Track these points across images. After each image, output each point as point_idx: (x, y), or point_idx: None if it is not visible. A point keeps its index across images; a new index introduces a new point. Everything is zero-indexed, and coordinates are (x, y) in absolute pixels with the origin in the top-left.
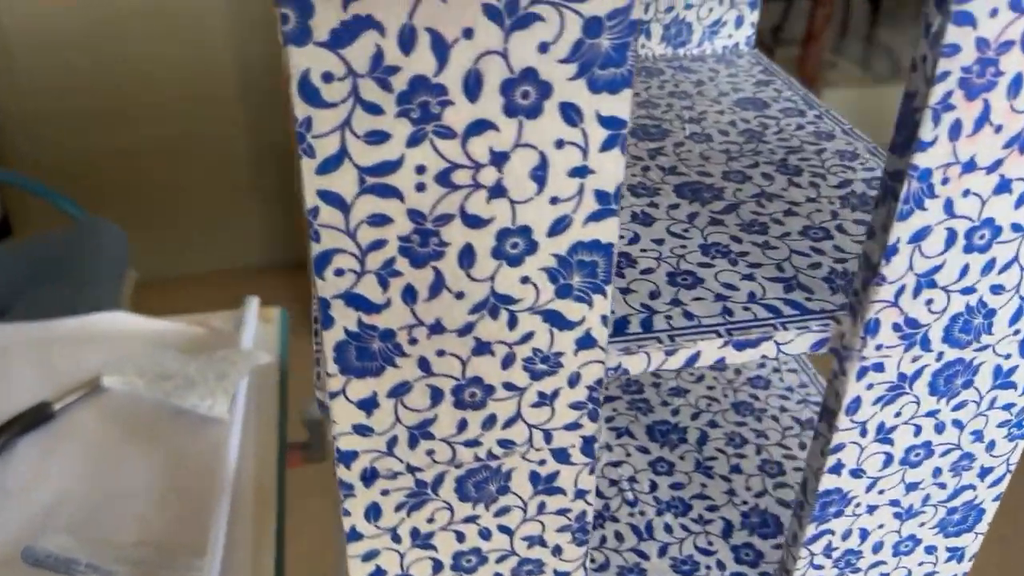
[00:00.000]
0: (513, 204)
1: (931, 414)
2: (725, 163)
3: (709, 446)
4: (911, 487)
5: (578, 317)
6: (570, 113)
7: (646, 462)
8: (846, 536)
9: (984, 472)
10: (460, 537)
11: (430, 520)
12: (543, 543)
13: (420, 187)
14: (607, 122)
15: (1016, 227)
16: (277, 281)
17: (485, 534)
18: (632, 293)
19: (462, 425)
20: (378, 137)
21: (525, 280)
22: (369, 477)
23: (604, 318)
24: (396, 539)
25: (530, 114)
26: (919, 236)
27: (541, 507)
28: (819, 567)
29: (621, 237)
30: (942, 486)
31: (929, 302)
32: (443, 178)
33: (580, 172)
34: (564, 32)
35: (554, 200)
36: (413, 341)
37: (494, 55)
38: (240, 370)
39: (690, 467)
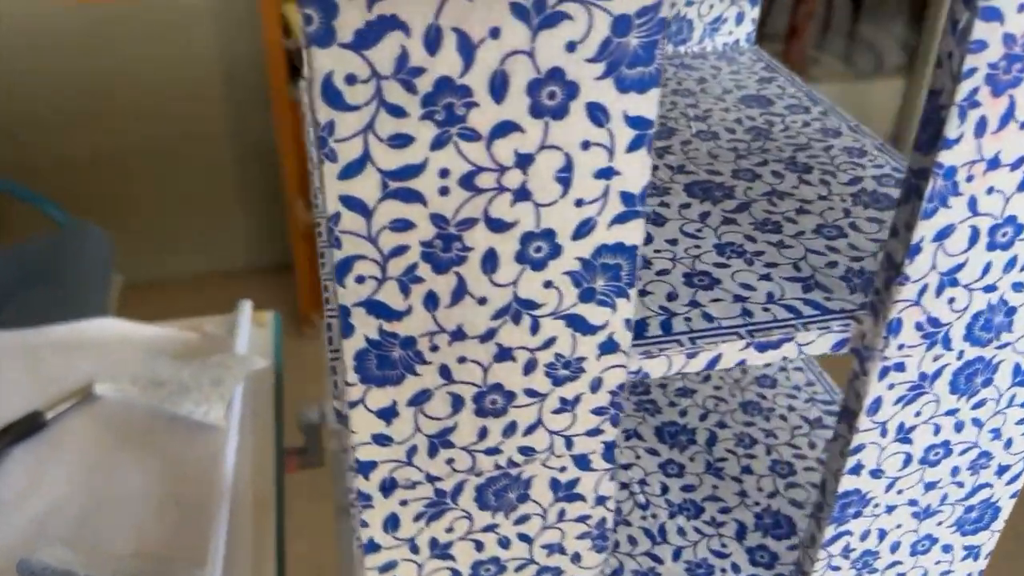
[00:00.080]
0: (537, 207)
1: (951, 413)
2: (734, 161)
3: (719, 447)
4: (929, 486)
5: (601, 321)
6: (597, 113)
7: (656, 464)
8: (864, 537)
9: (1001, 470)
10: (479, 546)
11: (449, 530)
12: (563, 551)
13: (444, 191)
14: (634, 122)
15: None
16: (263, 283)
17: (504, 543)
18: (649, 295)
19: (483, 433)
20: (402, 140)
21: (548, 284)
22: (388, 488)
23: (627, 322)
24: (414, 550)
25: (556, 115)
26: (943, 234)
27: (561, 514)
28: (836, 568)
29: None
30: (960, 485)
31: (951, 301)
32: (467, 182)
33: (606, 174)
34: (592, 31)
35: (579, 202)
36: (434, 348)
37: (521, 55)
38: (235, 375)
39: (700, 468)
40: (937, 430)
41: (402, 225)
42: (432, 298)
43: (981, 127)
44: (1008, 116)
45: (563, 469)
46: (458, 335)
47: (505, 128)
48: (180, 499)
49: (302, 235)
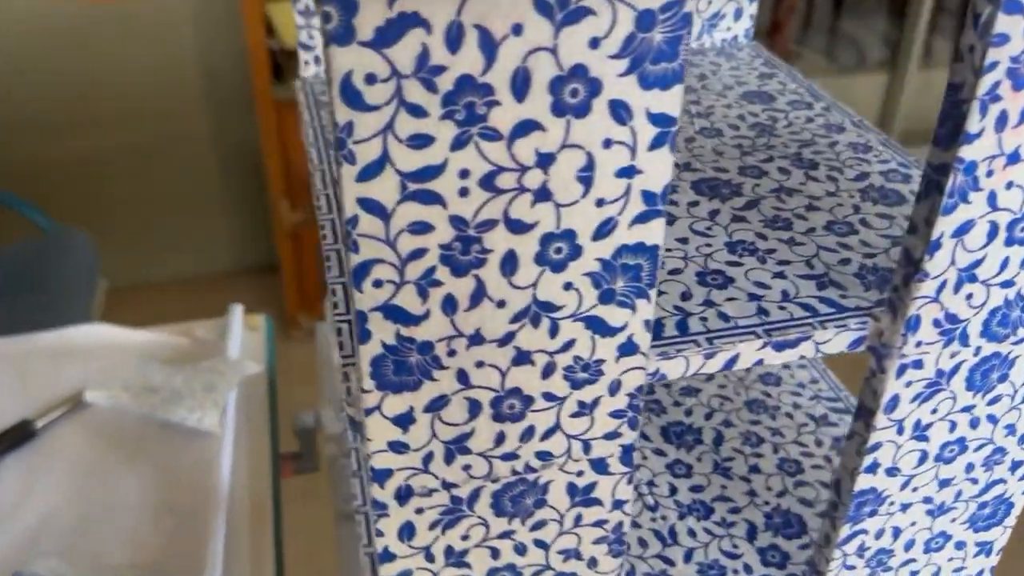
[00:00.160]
0: (558, 207)
1: (966, 409)
2: (739, 158)
3: (726, 446)
4: (944, 483)
5: (621, 323)
6: (619, 111)
7: (663, 465)
8: (879, 535)
9: (1015, 466)
10: (495, 553)
11: (464, 537)
12: (579, 556)
13: (463, 192)
14: (657, 119)
15: None
16: (248, 285)
17: (520, 549)
18: (663, 295)
19: (500, 438)
20: (421, 141)
21: (568, 286)
22: (403, 496)
23: (647, 323)
24: (430, 558)
25: (578, 113)
26: (962, 230)
27: (577, 519)
28: (851, 567)
29: None
30: (974, 481)
31: (969, 297)
32: (487, 182)
33: (627, 172)
34: (616, 26)
35: (600, 202)
36: (452, 353)
37: (543, 52)
38: (229, 381)
39: (708, 468)
40: (953, 427)
41: (421, 228)
42: (450, 302)
43: (1002, 121)
44: None
45: (580, 473)
46: (476, 339)
47: (526, 127)
48: (175, 507)
49: (287, 236)
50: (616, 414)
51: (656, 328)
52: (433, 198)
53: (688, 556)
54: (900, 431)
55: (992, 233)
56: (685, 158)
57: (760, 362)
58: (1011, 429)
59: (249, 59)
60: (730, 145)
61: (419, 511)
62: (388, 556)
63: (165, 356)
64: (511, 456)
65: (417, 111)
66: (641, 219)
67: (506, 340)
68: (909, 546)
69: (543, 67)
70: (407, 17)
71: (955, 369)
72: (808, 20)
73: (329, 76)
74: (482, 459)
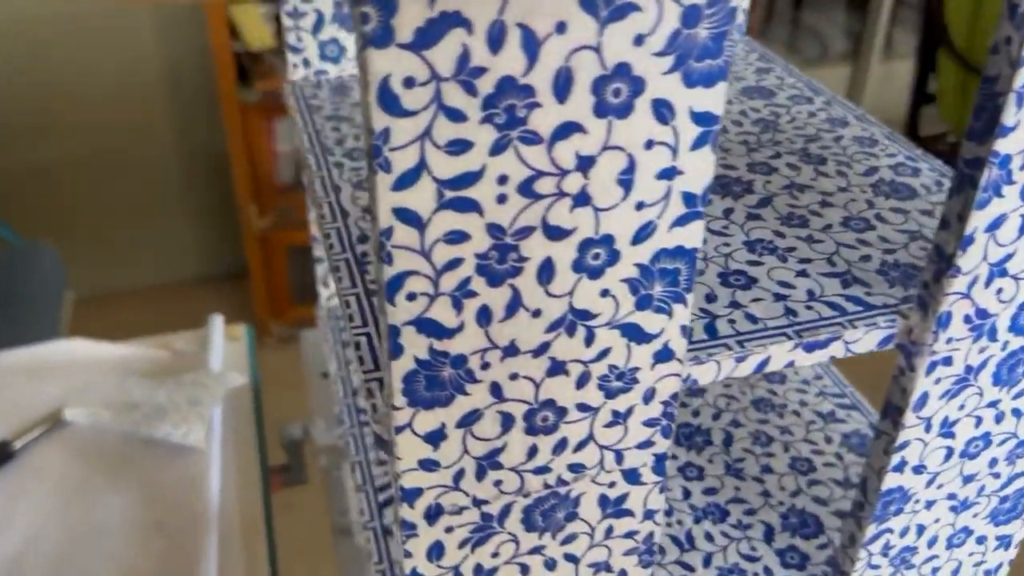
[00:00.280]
0: (597, 212)
1: (992, 404)
2: (747, 155)
3: (736, 447)
4: (968, 479)
5: (657, 329)
6: (662, 110)
7: (675, 468)
8: (903, 533)
9: None
10: (524, 570)
11: (494, 555)
12: (608, 568)
13: (501, 199)
14: (700, 118)
15: None
16: (218, 292)
17: (550, 564)
18: None
19: (532, 451)
20: (460, 146)
21: (605, 293)
22: (433, 515)
23: (684, 328)
24: None
25: (620, 113)
26: (995, 224)
27: (609, 531)
28: (876, 567)
29: None
30: (996, 476)
31: (999, 291)
32: (526, 188)
33: (668, 174)
34: (661, 22)
35: (640, 205)
36: (486, 366)
37: (587, 50)
38: (213, 394)
39: (720, 470)
40: (978, 422)
41: (457, 237)
42: (485, 313)
43: None
44: None
45: (612, 484)
46: (511, 351)
47: (568, 129)
48: (164, 527)
49: (256, 242)
50: (650, 423)
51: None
52: (470, 206)
53: (707, 561)
54: (928, 428)
55: (1023, 227)
56: None
57: (791, 364)
58: None
59: (214, 62)
60: (736, 142)
61: (449, 530)
62: None
63: (145, 370)
64: (543, 470)
65: (456, 115)
66: (680, 222)
67: (541, 351)
68: (932, 543)
69: (586, 66)
70: (448, 17)
71: (983, 364)
72: (770, 13)
73: (365, 81)
74: (514, 474)
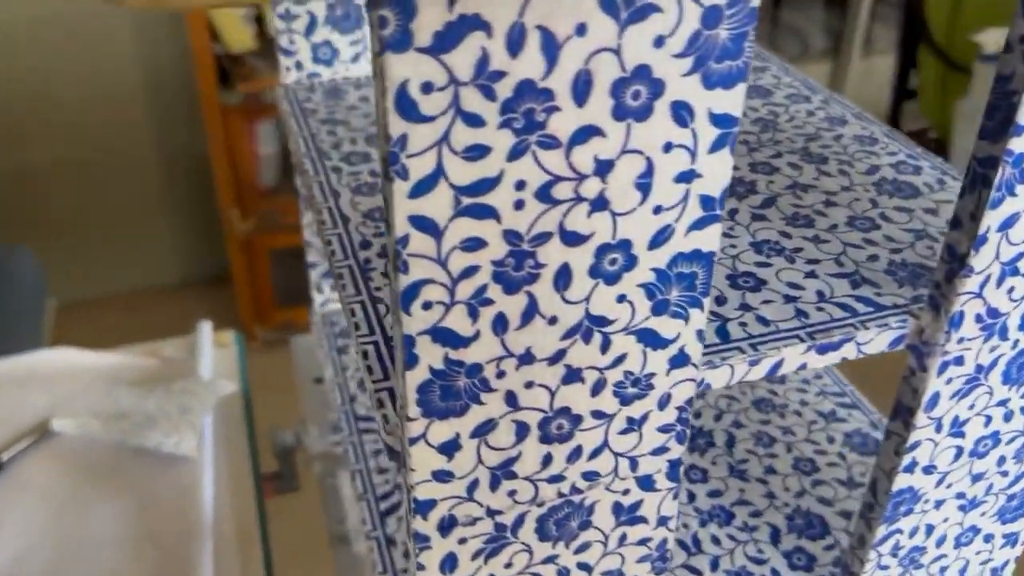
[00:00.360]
0: (615, 217)
1: (1002, 403)
2: (748, 154)
3: (739, 448)
4: (976, 478)
5: (673, 334)
6: (681, 113)
7: None
8: (913, 534)
9: None
10: None
11: (508, 565)
12: None
13: (519, 205)
14: (719, 120)
15: None
16: (201, 297)
17: (564, 573)
18: None
19: (547, 460)
20: (477, 152)
21: (621, 299)
22: (447, 527)
23: (700, 333)
24: None
25: (639, 116)
26: (1008, 223)
27: (622, 539)
28: (885, 567)
29: None
30: (1004, 474)
31: (1011, 290)
32: (543, 193)
33: (686, 177)
34: (682, 23)
35: (657, 209)
36: (501, 375)
37: (606, 53)
38: (204, 402)
39: (724, 472)
40: (988, 421)
41: (473, 244)
42: (501, 321)
43: None
44: None
45: (626, 492)
46: (526, 359)
47: (586, 133)
48: (158, 539)
49: (239, 245)
50: (664, 428)
51: None
52: (487, 212)
53: (715, 564)
54: (938, 429)
55: None
56: None
57: (803, 366)
58: None
59: (194, 65)
60: (736, 141)
61: (462, 541)
62: None
63: (134, 379)
64: (557, 478)
65: (474, 120)
66: (698, 225)
67: (556, 358)
68: (940, 542)
69: (606, 69)
70: (467, 20)
71: (994, 363)
72: None
73: (383, 86)
74: (528, 483)
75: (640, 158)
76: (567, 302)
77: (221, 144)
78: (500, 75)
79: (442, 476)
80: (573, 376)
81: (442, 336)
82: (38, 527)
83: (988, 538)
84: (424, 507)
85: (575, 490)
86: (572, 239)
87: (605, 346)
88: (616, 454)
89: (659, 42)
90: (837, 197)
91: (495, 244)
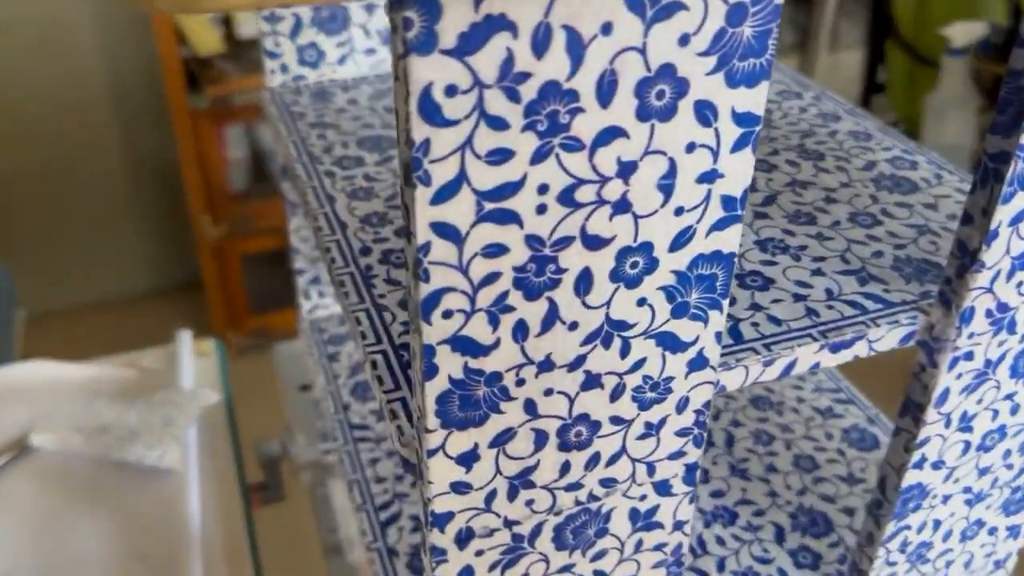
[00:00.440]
0: (636, 219)
1: (1009, 397)
2: None
3: (738, 447)
4: (983, 472)
5: (692, 337)
6: (705, 112)
7: None
8: (920, 529)
9: None
10: None
11: None
12: None
13: (541, 209)
14: (742, 119)
15: None
16: (172, 304)
17: None
18: None
19: (565, 468)
20: (501, 156)
21: (642, 302)
22: (464, 539)
23: (718, 335)
24: None
25: (663, 116)
26: (1020, 218)
27: (638, 545)
28: (893, 563)
29: None
30: (1009, 467)
31: (1020, 284)
32: (566, 197)
33: (709, 177)
34: (707, 21)
35: (679, 211)
36: (520, 382)
37: (631, 52)
38: (188, 413)
39: (725, 472)
40: (995, 415)
41: (495, 250)
42: (521, 328)
43: None
44: None
45: (643, 497)
46: (546, 365)
47: (610, 135)
48: (145, 555)
49: (210, 252)
50: (682, 432)
51: None
52: (510, 217)
53: (721, 565)
54: (948, 424)
55: None
56: None
57: (816, 365)
58: None
59: (161, 69)
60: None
61: (479, 553)
62: None
63: (114, 391)
64: (575, 486)
65: (498, 123)
66: (719, 226)
67: (576, 364)
68: (947, 536)
69: (630, 68)
70: (493, 20)
71: (1002, 357)
72: None
73: (406, 90)
74: (546, 492)
75: (663, 159)
76: (587, 307)
77: (190, 149)
78: (525, 76)
79: (460, 488)
80: (592, 382)
81: (462, 345)
82: (20, 546)
83: (992, 531)
84: (442, 520)
85: (592, 497)
86: (594, 243)
87: (625, 351)
88: (633, 460)
89: (684, 40)
90: (837, 193)
91: (517, 250)
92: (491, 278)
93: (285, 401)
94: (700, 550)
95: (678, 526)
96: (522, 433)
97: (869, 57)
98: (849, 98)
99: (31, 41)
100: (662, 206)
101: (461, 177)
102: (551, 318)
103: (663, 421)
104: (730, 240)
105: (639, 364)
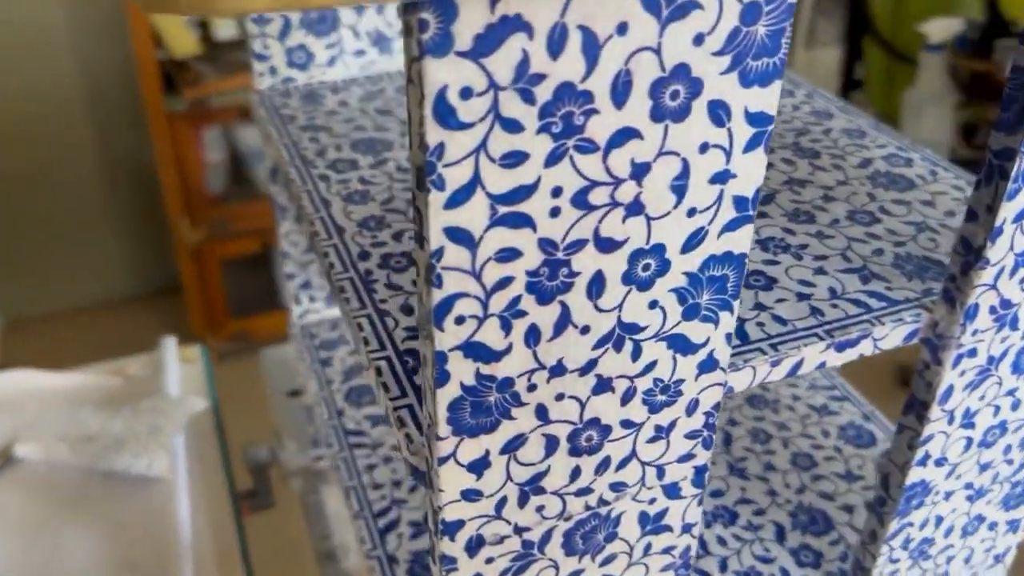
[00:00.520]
0: (649, 221)
1: (1010, 393)
2: None
3: (736, 446)
4: (984, 467)
5: (702, 339)
6: (718, 112)
7: None
8: (923, 526)
9: None
10: None
11: None
12: None
13: (554, 212)
14: (754, 119)
15: None
16: (150, 309)
17: None
18: None
19: (575, 473)
20: (515, 159)
21: (653, 304)
22: (474, 547)
23: (728, 336)
24: None
25: (677, 117)
26: (1022, 214)
27: (647, 548)
28: (895, 560)
29: None
30: (1010, 462)
31: (1022, 281)
32: (579, 199)
33: (721, 178)
34: (721, 20)
35: (691, 212)
36: (532, 388)
37: (647, 52)
38: (175, 421)
39: (724, 471)
40: (996, 411)
41: (508, 255)
42: (533, 333)
43: None
44: None
45: (652, 501)
46: (557, 370)
47: (624, 136)
48: (135, 566)
49: (189, 255)
50: (692, 435)
51: None
52: (523, 221)
53: (723, 566)
54: (951, 421)
55: None
56: None
57: (823, 364)
58: None
59: (137, 71)
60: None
61: (489, 560)
62: None
63: (99, 399)
64: (585, 491)
65: (512, 126)
66: (731, 227)
67: (588, 368)
68: (948, 532)
69: (645, 69)
70: (509, 21)
71: (1004, 354)
72: None
73: (420, 93)
74: (556, 498)
75: (676, 160)
76: (599, 310)
77: (168, 152)
78: (540, 78)
79: (471, 495)
80: (604, 386)
81: (474, 351)
82: (10, 558)
83: (992, 526)
84: (452, 528)
85: (602, 502)
86: (606, 246)
87: (636, 354)
88: (643, 463)
89: (699, 40)
90: (834, 191)
91: (530, 254)
92: (504, 283)
93: (273, 407)
94: (702, 550)
95: (686, 528)
96: (533, 439)
97: (846, 54)
98: None
99: (3, 43)
100: (675, 207)
101: (475, 181)
102: (563, 322)
103: (673, 424)
104: (741, 241)
105: (650, 367)
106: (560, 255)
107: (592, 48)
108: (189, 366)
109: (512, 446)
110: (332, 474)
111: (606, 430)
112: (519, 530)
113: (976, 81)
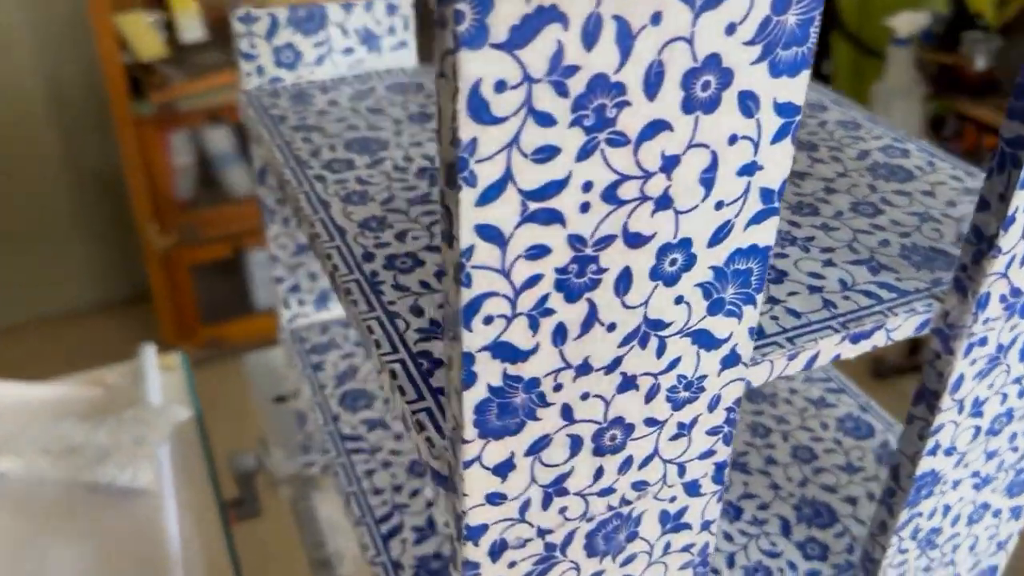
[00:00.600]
0: (677, 215)
1: (1017, 380)
2: None
3: (736, 440)
4: (990, 455)
5: (726, 334)
6: (747, 103)
7: None
8: (931, 515)
9: None
10: None
11: None
12: None
13: (584, 207)
14: (783, 109)
15: None
16: (120, 317)
17: None
18: None
19: (598, 473)
20: (547, 153)
21: (679, 300)
22: (497, 551)
23: (751, 331)
24: None
25: (708, 108)
26: None
27: (667, 547)
28: (904, 551)
29: None
30: (1015, 449)
31: None
32: (609, 194)
33: (749, 169)
34: (753, 9)
35: (719, 205)
36: (558, 387)
37: (680, 42)
38: (159, 431)
39: None
40: (1004, 399)
41: (538, 252)
42: (561, 331)
43: None
44: None
45: (673, 499)
46: (583, 369)
47: (655, 128)
48: None
49: (158, 262)
50: (713, 431)
51: None
52: (553, 217)
53: (731, 561)
54: (960, 410)
55: None
56: None
57: (838, 357)
58: None
59: (103, 75)
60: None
61: (511, 565)
62: None
63: (80, 410)
64: (608, 491)
65: (545, 119)
66: (757, 219)
67: (613, 366)
68: (955, 521)
69: (678, 59)
70: (545, 11)
71: (1013, 341)
72: None
73: (454, 88)
74: (579, 499)
75: (706, 152)
76: (626, 307)
77: (135, 157)
78: (574, 70)
79: (495, 499)
80: (628, 384)
81: (502, 351)
82: None
83: (996, 513)
84: (476, 533)
85: (624, 502)
86: (635, 240)
87: (660, 350)
88: (665, 461)
89: (730, 29)
90: (835, 183)
91: (559, 250)
92: (532, 281)
93: (259, 414)
94: None
95: (705, 526)
96: (558, 440)
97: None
98: None
99: None
100: (703, 200)
101: (507, 176)
102: (590, 320)
103: (695, 420)
104: (767, 234)
105: (674, 363)
106: (589, 251)
107: (626, 38)
108: (169, 374)
109: (537, 447)
110: (324, 480)
111: (629, 429)
112: (542, 532)
113: (943, 74)
